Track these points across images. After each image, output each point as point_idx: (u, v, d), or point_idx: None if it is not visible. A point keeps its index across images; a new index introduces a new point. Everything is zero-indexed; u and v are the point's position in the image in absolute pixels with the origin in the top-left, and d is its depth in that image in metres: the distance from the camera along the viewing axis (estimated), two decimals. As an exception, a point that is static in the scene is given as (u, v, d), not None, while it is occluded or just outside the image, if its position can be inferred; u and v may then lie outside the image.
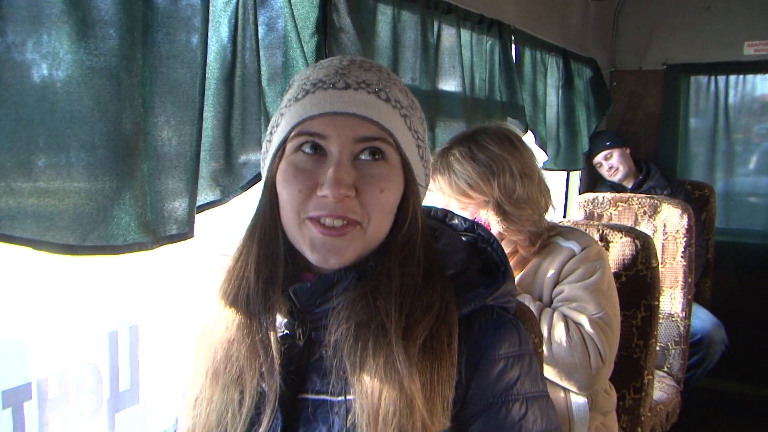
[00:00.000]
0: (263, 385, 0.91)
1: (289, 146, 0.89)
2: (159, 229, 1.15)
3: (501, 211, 1.64)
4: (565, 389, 1.66)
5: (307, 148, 0.88)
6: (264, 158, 0.96)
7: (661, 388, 2.76)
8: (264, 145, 0.97)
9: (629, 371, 2.09)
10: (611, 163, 3.63)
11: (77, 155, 1.00)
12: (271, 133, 0.94)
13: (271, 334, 0.91)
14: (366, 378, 0.84)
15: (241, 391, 0.91)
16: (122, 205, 1.06)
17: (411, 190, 0.92)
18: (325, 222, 0.86)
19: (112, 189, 1.04)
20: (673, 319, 2.89)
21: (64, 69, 0.99)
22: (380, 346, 0.85)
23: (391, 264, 0.89)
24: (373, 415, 0.83)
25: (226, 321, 0.93)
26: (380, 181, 0.88)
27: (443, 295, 0.90)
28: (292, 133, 0.88)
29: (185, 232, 1.20)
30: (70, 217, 1.00)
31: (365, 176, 0.87)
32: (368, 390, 0.84)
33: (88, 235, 1.02)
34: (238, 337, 0.91)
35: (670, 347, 2.91)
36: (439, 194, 1.68)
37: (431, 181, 1.65)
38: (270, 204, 0.92)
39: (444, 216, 1.08)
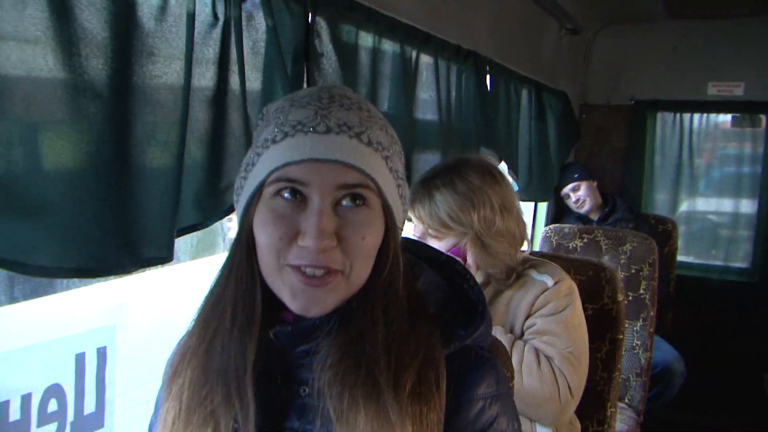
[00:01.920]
0: (238, 422, 0.88)
1: (267, 190, 0.86)
2: (138, 252, 1.14)
3: (479, 243, 1.65)
4: (531, 421, 1.68)
5: (286, 194, 0.85)
6: (238, 194, 0.93)
7: (622, 419, 2.79)
8: (238, 182, 0.93)
9: (593, 403, 2.11)
10: (579, 195, 3.69)
11: (57, 176, 0.99)
12: (246, 170, 0.91)
13: (247, 381, 0.88)
14: (355, 428, 0.83)
15: (213, 429, 0.88)
16: (101, 227, 1.05)
17: (391, 233, 0.90)
18: (306, 271, 0.84)
19: (92, 211, 1.03)
20: (635, 351, 2.94)
21: (47, 88, 0.98)
22: (370, 395, 0.83)
23: (375, 309, 0.88)
24: None
25: (200, 368, 0.90)
26: (362, 228, 0.86)
27: (428, 337, 0.89)
28: (270, 178, 0.85)
29: (165, 255, 1.19)
30: (49, 238, 0.98)
31: (347, 223, 0.85)
32: None
33: (66, 257, 1.00)
34: (211, 383, 0.89)
35: (632, 379, 2.95)
36: (417, 223, 1.69)
37: (411, 210, 1.67)
38: (247, 248, 0.89)
39: (418, 249, 1.06)
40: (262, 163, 0.87)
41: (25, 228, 0.96)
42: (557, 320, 1.67)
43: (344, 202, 0.85)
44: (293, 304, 0.86)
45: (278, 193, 0.85)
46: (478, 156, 1.80)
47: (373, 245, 0.88)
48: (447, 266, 1.03)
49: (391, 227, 0.90)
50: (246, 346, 0.88)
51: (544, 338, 1.66)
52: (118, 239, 1.08)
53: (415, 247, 1.07)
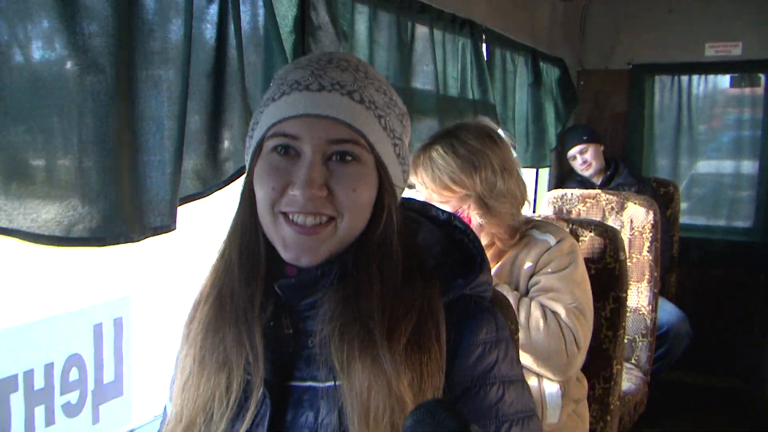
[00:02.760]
0: (249, 374, 0.93)
1: (266, 145, 0.91)
2: (142, 222, 1.17)
3: (482, 205, 1.68)
4: (539, 377, 1.71)
5: (281, 148, 0.90)
6: (246, 153, 0.98)
7: (629, 379, 2.83)
8: (246, 141, 0.99)
9: (599, 361, 2.14)
10: (585, 158, 3.69)
11: (63, 149, 1.02)
12: (252, 129, 0.96)
13: (255, 325, 0.93)
14: (354, 377, 0.87)
15: (228, 377, 0.93)
16: (107, 197, 1.08)
17: (386, 190, 0.94)
18: (297, 220, 0.88)
19: (98, 182, 1.06)
20: (640, 312, 2.98)
21: (52, 64, 1.01)
22: (365, 347, 0.87)
23: (370, 265, 0.91)
24: (363, 413, 0.85)
25: (213, 312, 0.95)
26: (352, 181, 0.89)
27: (425, 290, 0.92)
28: (269, 133, 0.91)
29: (168, 224, 1.22)
30: (56, 209, 1.01)
31: (337, 176, 0.89)
32: (357, 389, 0.86)
33: (74, 227, 1.03)
34: (223, 327, 0.94)
35: (638, 340, 2.99)
36: (421, 188, 1.72)
37: (413, 175, 1.70)
38: (249, 200, 0.94)
39: (422, 208, 1.10)
40: (263, 120, 0.92)
41: (34, 199, 0.99)
42: (561, 277, 1.70)
43: (335, 157, 0.89)
44: (286, 254, 0.91)
45: (275, 147, 0.90)
46: (477, 120, 1.81)
47: (364, 198, 0.91)
48: (447, 223, 1.07)
49: (385, 184, 0.93)
50: (253, 292, 0.93)
51: (549, 294, 1.69)
52: (124, 209, 1.11)
53: (418, 205, 1.10)
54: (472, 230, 1.05)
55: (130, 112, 1.13)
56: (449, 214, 1.08)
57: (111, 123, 1.08)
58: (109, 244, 1.09)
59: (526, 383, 0.99)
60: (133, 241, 1.14)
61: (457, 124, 1.78)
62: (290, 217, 0.89)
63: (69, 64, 1.02)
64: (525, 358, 1.65)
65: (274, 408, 0.93)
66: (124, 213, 1.12)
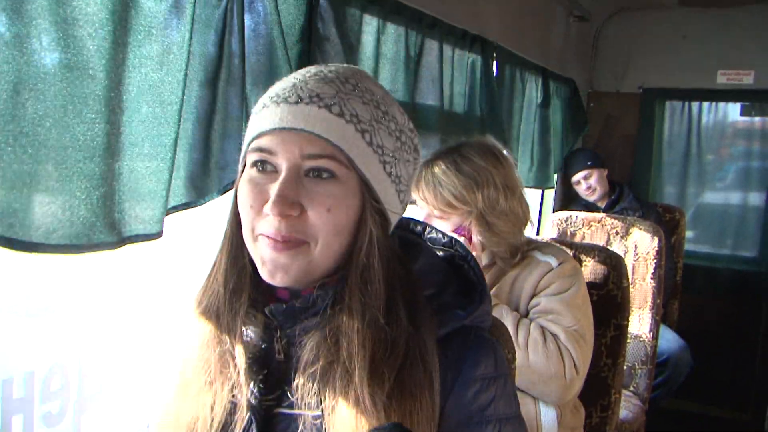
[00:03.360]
0: (236, 394, 0.91)
1: (248, 161, 0.89)
2: (125, 229, 1.14)
3: (483, 222, 1.68)
4: (535, 401, 1.68)
5: (259, 164, 0.87)
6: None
7: (627, 407, 2.79)
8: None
9: (597, 389, 2.10)
10: (590, 183, 3.66)
11: (47, 154, 0.99)
12: (243, 143, 0.94)
13: (238, 347, 0.91)
14: (337, 416, 0.84)
15: (213, 397, 0.91)
16: (89, 205, 1.05)
17: (369, 211, 0.88)
18: (273, 238, 0.85)
19: (80, 189, 1.03)
20: (641, 339, 2.94)
21: (38, 66, 0.98)
22: (347, 392, 0.84)
23: (352, 296, 0.87)
24: None
25: (198, 331, 0.94)
26: (327, 200, 0.84)
27: (411, 328, 0.87)
28: (249, 148, 0.88)
29: (154, 232, 1.19)
30: (36, 214, 0.99)
31: (312, 194, 0.84)
32: (339, 428, 0.84)
33: (52, 234, 1.01)
34: (209, 347, 0.92)
35: (637, 367, 2.95)
36: (423, 204, 1.71)
37: (415, 191, 1.68)
38: (235, 215, 0.91)
39: (423, 229, 1.06)
40: (247, 135, 0.90)
41: (13, 204, 0.96)
42: (561, 299, 1.68)
43: (311, 174, 0.85)
44: (263, 271, 0.88)
45: (254, 163, 0.87)
46: (481, 138, 1.80)
47: (340, 219, 0.86)
48: (449, 246, 1.03)
49: (368, 205, 0.88)
50: (237, 312, 0.91)
51: (549, 317, 1.67)
52: (105, 217, 1.08)
53: (420, 227, 1.06)
54: (472, 255, 1.02)
55: (118, 116, 1.10)
56: (450, 237, 1.05)
57: (98, 127, 1.05)
58: (87, 252, 1.06)
59: (523, 420, 0.96)
60: (112, 249, 1.11)
61: (461, 142, 1.77)
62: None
63: (58, 68, 0.99)
64: (522, 381, 1.62)
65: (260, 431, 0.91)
66: (106, 221, 1.09)
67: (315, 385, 0.86)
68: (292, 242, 0.85)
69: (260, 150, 0.86)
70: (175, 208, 1.28)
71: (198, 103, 1.31)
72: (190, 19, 1.21)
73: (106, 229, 1.09)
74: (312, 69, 0.90)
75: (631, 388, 2.94)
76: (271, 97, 0.88)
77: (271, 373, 0.92)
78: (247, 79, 1.40)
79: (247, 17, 1.40)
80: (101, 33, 1.04)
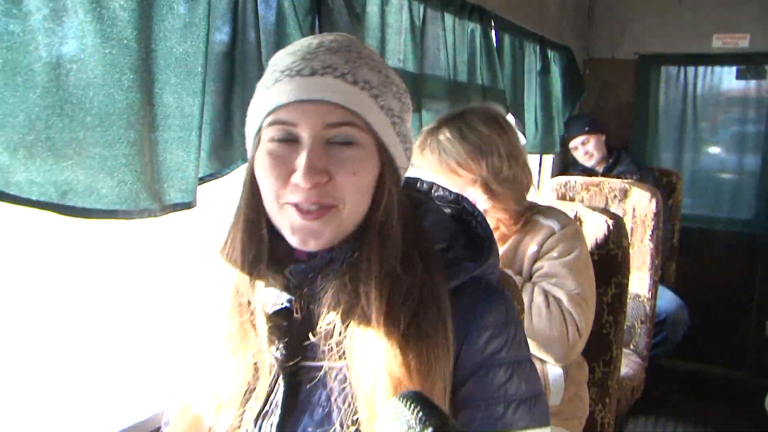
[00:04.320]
0: (262, 355, 0.95)
1: (264, 134, 0.92)
2: (165, 197, 1.19)
3: (488, 189, 1.71)
4: (542, 361, 1.74)
5: (279, 136, 0.90)
6: (247, 141, 0.99)
7: (628, 364, 2.87)
8: (246, 130, 1.00)
9: (599, 346, 2.17)
10: (587, 148, 3.72)
11: (92, 121, 1.03)
12: (249, 117, 0.97)
13: (259, 312, 0.95)
14: (357, 361, 0.89)
15: (238, 362, 0.95)
16: (134, 171, 1.10)
17: (387, 171, 0.94)
18: (302, 206, 0.89)
19: (124, 155, 1.08)
20: (640, 299, 3.01)
21: (78, 39, 1.02)
22: (364, 332, 0.89)
23: (371, 248, 0.92)
24: (368, 395, 0.88)
25: (218, 301, 0.98)
26: (352, 164, 0.90)
27: (428, 277, 0.93)
28: (265, 122, 0.91)
29: (189, 201, 1.24)
30: (87, 182, 1.03)
31: (337, 160, 0.89)
32: (361, 372, 0.89)
33: (103, 199, 1.06)
34: (229, 316, 0.96)
35: (637, 326, 3.03)
36: (428, 171, 1.73)
37: (420, 158, 1.72)
38: (251, 188, 0.95)
39: (429, 188, 1.11)
40: (257, 110, 0.93)
41: (62, 171, 1.01)
42: (565, 263, 1.72)
43: (334, 140, 0.90)
44: (292, 239, 0.92)
45: (272, 137, 0.91)
46: (484, 105, 1.83)
47: (365, 181, 0.92)
48: (455, 202, 1.08)
49: (386, 165, 0.94)
50: (255, 279, 0.96)
51: (552, 281, 1.71)
52: (147, 184, 1.13)
53: (426, 186, 1.12)
54: (479, 211, 1.07)
55: (150, 87, 1.15)
56: (456, 194, 1.10)
57: (134, 96, 1.10)
58: (136, 217, 1.11)
59: (533, 364, 1.01)
60: (156, 216, 1.16)
61: (465, 108, 1.79)
62: (297, 204, 0.90)
63: (96, 40, 1.04)
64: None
65: (288, 388, 0.96)
66: (148, 188, 1.14)
67: (336, 330, 0.91)
68: (322, 209, 0.89)
69: (280, 122, 0.90)
70: (203, 179, 1.32)
71: (218, 75, 1.35)
72: (208, -7, 1.26)
73: (150, 196, 1.14)
74: (311, 41, 0.94)
75: (631, 347, 3.03)
76: (282, 71, 0.90)
77: (292, 332, 0.96)
78: (262, 49, 1.44)
79: (259, -10, 1.44)
80: (131, 4, 1.08)
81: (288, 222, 0.91)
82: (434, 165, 1.72)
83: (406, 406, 0.63)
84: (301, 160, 0.87)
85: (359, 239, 0.94)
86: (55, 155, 1.00)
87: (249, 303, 0.96)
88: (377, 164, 0.93)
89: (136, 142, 1.10)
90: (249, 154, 0.97)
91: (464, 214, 1.07)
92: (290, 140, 0.90)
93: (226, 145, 1.39)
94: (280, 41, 1.49)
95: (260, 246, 0.96)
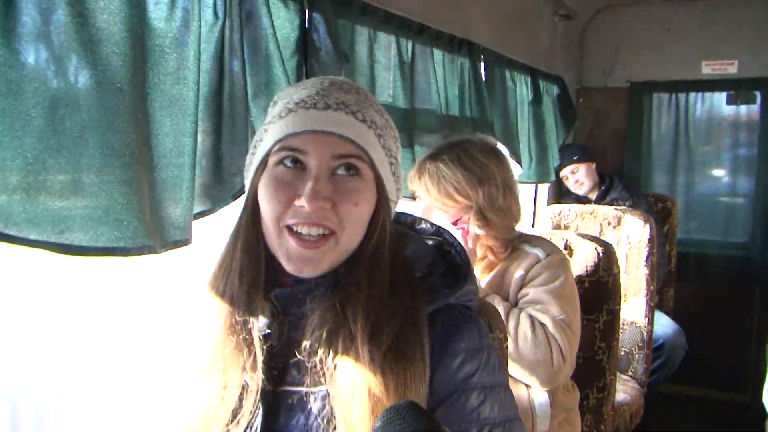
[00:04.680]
0: (246, 380, 0.98)
1: (272, 160, 0.97)
2: (163, 235, 1.23)
3: (482, 217, 1.76)
4: (527, 386, 1.76)
5: (288, 162, 0.95)
6: (248, 170, 1.04)
7: (626, 390, 2.88)
8: (248, 158, 1.04)
9: (592, 372, 2.20)
10: (577, 177, 3.77)
11: (88, 163, 1.08)
12: (255, 146, 1.02)
13: (254, 333, 0.99)
14: (338, 380, 0.93)
15: (226, 384, 0.98)
16: (130, 210, 1.14)
17: (382, 205, 1.00)
18: (301, 231, 0.94)
19: (120, 194, 1.12)
20: (637, 325, 3.02)
21: (74, 83, 1.08)
22: (348, 350, 0.93)
23: (360, 274, 0.97)
24: (347, 412, 0.91)
25: (212, 321, 1.00)
26: (354, 195, 0.96)
27: (409, 302, 0.98)
28: (275, 148, 0.96)
29: (185, 238, 1.29)
30: (83, 220, 1.08)
31: (341, 190, 0.95)
32: (341, 391, 0.92)
33: (100, 237, 1.10)
34: (222, 336, 0.99)
35: (634, 352, 3.03)
36: (424, 196, 1.78)
37: (417, 183, 1.77)
38: (252, 212, 0.99)
39: (413, 222, 1.16)
40: (269, 137, 0.98)
41: (59, 211, 1.05)
42: (549, 290, 1.75)
43: (339, 171, 0.96)
44: (289, 266, 0.97)
45: (281, 161, 0.96)
46: (481, 136, 1.89)
47: (364, 213, 0.98)
48: (437, 235, 1.13)
49: (381, 199, 1.00)
50: (253, 302, 0.99)
51: (537, 307, 1.75)
52: (145, 222, 1.17)
53: (409, 220, 1.17)
54: (459, 243, 1.11)
55: (147, 129, 1.20)
56: (437, 227, 1.15)
57: (130, 138, 1.15)
58: (133, 255, 1.15)
59: (509, 390, 1.04)
60: (155, 253, 1.20)
61: (463, 138, 1.85)
62: (294, 229, 0.94)
63: (90, 84, 1.09)
64: (513, 368, 1.70)
65: (266, 413, 0.99)
66: (146, 226, 1.18)
67: (319, 350, 0.94)
68: (321, 238, 0.94)
69: (291, 149, 0.95)
70: (197, 216, 1.37)
71: (207, 115, 1.40)
72: (197, 37, 1.31)
73: (147, 233, 1.18)
74: (323, 80, 1.01)
75: (629, 373, 3.03)
76: (297, 103, 0.96)
77: (273, 356, 1.00)
78: (248, 90, 1.50)
79: (244, 32, 1.49)
80: (123, 50, 1.13)
81: (286, 248, 0.96)
82: (432, 190, 1.76)
83: (399, 414, 0.67)
84: (308, 186, 0.92)
85: (348, 265, 0.99)
86: (53, 196, 1.04)
87: (245, 325, 0.99)
88: (374, 198, 0.99)
89: (132, 183, 1.14)
90: (250, 179, 1.01)
91: (444, 244, 1.12)
92: (297, 167, 0.95)
93: (216, 184, 1.43)
94: (266, 81, 1.53)
95: (258, 269, 1.00)
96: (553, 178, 3.74)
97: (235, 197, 1.45)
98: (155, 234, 1.21)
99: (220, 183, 1.43)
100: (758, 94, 4.08)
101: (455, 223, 1.77)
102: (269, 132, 0.98)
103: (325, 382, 0.94)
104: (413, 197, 1.83)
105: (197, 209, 1.39)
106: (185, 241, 1.29)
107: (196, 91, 1.31)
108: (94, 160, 1.09)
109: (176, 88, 1.27)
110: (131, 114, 1.15)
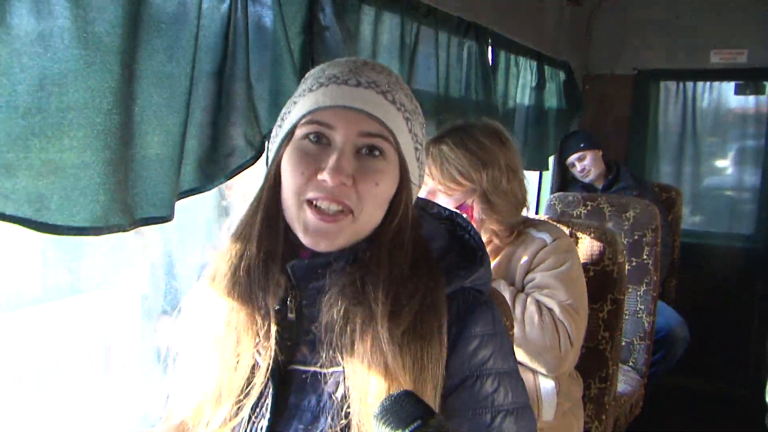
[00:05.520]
0: (259, 353, 0.97)
1: (298, 132, 0.96)
2: (137, 212, 1.21)
3: (486, 200, 1.75)
4: (534, 373, 1.75)
5: (313, 136, 0.95)
6: (273, 141, 1.03)
7: (626, 381, 2.86)
8: (275, 130, 1.04)
9: (595, 362, 2.17)
10: (584, 165, 3.71)
11: (69, 142, 1.06)
12: (282, 119, 1.02)
13: (270, 303, 0.98)
14: (355, 358, 0.92)
15: (239, 357, 0.97)
16: (107, 190, 1.11)
17: (405, 187, 1.00)
18: (320, 206, 0.93)
19: (99, 174, 1.10)
20: (639, 315, 3.00)
21: (62, 62, 1.04)
22: (367, 328, 0.92)
23: (381, 253, 0.96)
24: (362, 391, 0.90)
25: (227, 289, 1.00)
26: (377, 175, 0.95)
27: (429, 282, 0.97)
28: (303, 120, 0.96)
29: (165, 215, 1.26)
30: (60, 199, 1.06)
31: (363, 168, 0.94)
32: (357, 369, 0.91)
33: (75, 216, 1.07)
34: (237, 304, 0.98)
35: (636, 342, 3.01)
36: (428, 179, 1.77)
37: None
38: (274, 183, 0.99)
39: (425, 205, 1.14)
40: (297, 109, 0.98)
41: (41, 189, 1.03)
42: (556, 275, 1.74)
43: (364, 150, 0.95)
44: (305, 238, 0.96)
45: (307, 135, 0.95)
46: (485, 120, 1.86)
47: (385, 193, 0.97)
48: (449, 219, 1.12)
49: (404, 181, 0.99)
50: (270, 270, 0.98)
51: (544, 291, 1.73)
52: (120, 201, 1.15)
53: (421, 203, 1.15)
54: (473, 226, 1.10)
55: (131, 106, 1.17)
56: (451, 211, 1.13)
57: (114, 117, 1.12)
58: (104, 234, 1.13)
59: (520, 375, 1.03)
60: (124, 231, 1.18)
61: (467, 122, 1.84)
62: (314, 203, 0.94)
63: (78, 61, 1.06)
64: (519, 354, 1.68)
65: (277, 391, 0.98)
66: (121, 204, 1.16)
67: (336, 326, 0.93)
68: (339, 213, 0.93)
69: (319, 123, 0.95)
70: (186, 193, 1.34)
71: (205, 94, 1.37)
72: (197, 14, 1.27)
73: (120, 212, 1.16)
74: (356, 59, 1.01)
75: (630, 363, 3.01)
76: (329, 78, 0.96)
77: (286, 331, 0.99)
78: (251, 70, 1.46)
79: (250, 10, 1.46)
80: (117, 30, 1.10)
81: (304, 221, 0.95)
82: (436, 173, 1.76)
83: (397, 402, 0.70)
84: (331, 160, 0.92)
85: (368, 244, 0.98)
86: (32, 174, 1.02)
87: (261, 296, 0.98)
88: (397, 179, 0.98)
89: (112, 162, 1.12)
90: (275, 149, 1.00)
91: (458, 228, 1.10)
92: (322, 142, 0.95)
93: (211, 162, 1.40)
94: (270, 61, 1.50)
95: (277, 238, 0.99)
96: (548, 167, 3.70)
97: (229, 177, 1.42)
98: (128, 212, 1.18)
99: (215, 161, 1.41)
100: (767, 85, 4.03)
101: (459, 207, 1.75)
102: (298, 104, 0.98)
103: (341, 359, 0.94)
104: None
105: (189, 186, 1.37)
106: (164, 218, 1.26)
107: (190, 70, 1.27)
108: (76, 141, 1.07)
109: (169, 66, 1.23)
110: (118, 93, 1.11)
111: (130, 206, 1.20)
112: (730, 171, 4.26)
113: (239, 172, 1.45)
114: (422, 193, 1.76)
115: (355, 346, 0.92)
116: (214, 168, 1.41)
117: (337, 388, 0.94)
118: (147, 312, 1.71)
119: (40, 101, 1.02)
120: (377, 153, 0.95)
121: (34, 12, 1.00)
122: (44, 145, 1.02)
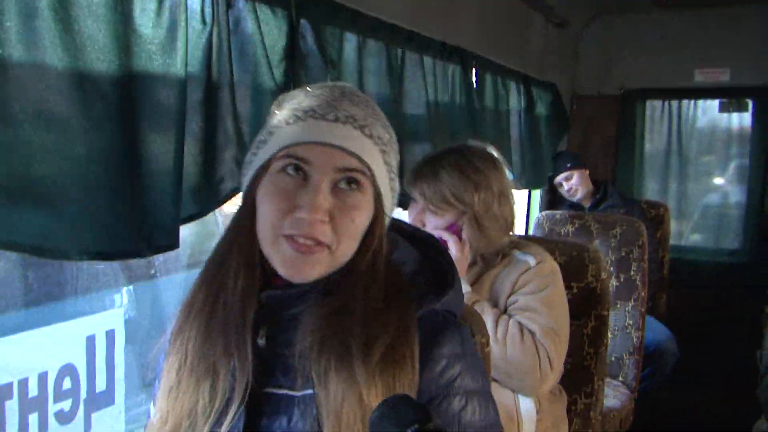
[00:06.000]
0: (233, 380, 0.98)
1: (275, 165, 0.97)
2: (149, 239, 1.24)
3: (475, 223, 1.77)
4: (514, 392, 1.77)
5: (290, 170, 0.96)
6: (246, 170, 1.03)
7: (616, 396, 2.89)
8: (248, 157, 1.04)
9: (581, 377, 2.21)
10: (571, 184, 3.76)
11: (72, 169, 1.10)
12: (257, 147, 1.02)
13: (247, 336, 0.99)
14: (329, 388, 0.93)
15: (213, 383, 0.99)
16: (113, 214, 1.15)
17: (379, 218, 1.01)
18: (297, 240, 0.94)
19: (104, 199, 1.14)
20: (628, 330, 3.04)
21: (60, 90, 1.09)
22: (342, 361, 0.93)
23: (357, 286, 0.98)
24: (336, 421, 0.92)
25: (204, 320, 1.01)
26: (353, 212, 0.96)
27: (402, 311, 0.99)
28: (279, 154, 0.96)
29: (172, 242, 1.30)
30: (67, 226, 1.09)
31: (340, 205, 0.95)
32: (331, 399, 0.92)
33: (84, 242, 1.11)
34: (214, 336, 0.99)
35: (625, 357, 3.05)
36: (420, 199, 1.79)
37: (413, 185, 1.78)
38: (249, 214, 0.99)
39: (398, 226, 1.15)
40: (274, 141, 0.98)
41: (43, 215, 1.06)
42: (538, 298, 1.76)
43: (341, 185, 0.96)
44: (282, 270, 0.97)
45: (283, 168, 0.97)
46: (479, 143, 1.91)
47: (360, 227, 0.99)
48: (424, 241, 1.14)
49: (379, 213, 1.01)
50: (246, 305, 0.99)
51: (526, 314, 1.75)
52: (129, 226, 1.19)
53: (397, 225, 1.17)
54: (446, 250, 1.12)
55: (133, 135, 1.22)
56: (424, 232, 1.15)
57: (116, 145, 1.16)
58: (117, 259, 1.17)
59: (491, 395, 1.05)
60: (140, 257, 1.21)
61: (462, 145, 1.87)
62: (293, 237, 0.94)
63: (74, 88, 1.10)
64: (500, 374, 1.71)
65: (248, 416, 0.99)
66: (130, 230, 1.19)
67: (311, 354, 0.95)
68: (317, 245, 0.95)
69: (295, 158, 0.95)
70: (184, 220, 1.38)
71: (194, 121, 1.41)
72: (184, 43, 1.32)
73: (130, 237, 1.19)
74: (333, 89, 1.01)
75: (620, 378, 3.04)
76: (306, 111, 0.97)
77: (260, 358, 1.00)
78: (236, 96, 1.51)
79: (232, 38, 1.50)
80: (108, 57, 1.15)
81: (281, 254, 0.96)
82: (428, 193, 1.77)
83: (393, 407, 0.70)
84: (309, 197, 0.93)
85: (342, 276, 0.99)
86: (36, 201, 1.05)
87: (237, 327, 0.99)
88: (372, 211, 1.00)
89: (116, 188, 1.16)
90: (250, 178, 1.01)
91: (431, 250, 1.12)
92: (299, 176, 0.96)
93: (205, 187, 1.44)
94: (253, 87, 1.55)
95: (253, 271, 1.00)
96: (544, 184, 3.76)
97: (222, 202, 1.46)
98: (140, 239, 1.22)
99: (208, 187, 1.44)
100: (750, 102, 4.11)
101: (449, 228, 1.77)
102: (274, 136, 0.98)
103: (314, 385, 0.95)
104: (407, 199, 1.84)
105: (187, 212, 1.40)
106: (171, 246, 1.30)
107: (183, 97, 1.32)
108: (80, 167, 1.10)
109: (163, 94, 1.28)
110: (117, 121, 1.16)
111: (142, 233, 1.23)
112: (716, 187, 4.31)
113: (233, 196, 1.49)
114: (411, 212, 1.81)
115: (329, 375, 0.93)
116: (208, 194, 1.44)
117: (308, 410, 0.96)
118: (130, 336, 1.74)
119: (41, 130, 1.05)
120: (354, 186, 0.97)
121: (23, 42, 1.04)
122: (49, 173, 1.06)
